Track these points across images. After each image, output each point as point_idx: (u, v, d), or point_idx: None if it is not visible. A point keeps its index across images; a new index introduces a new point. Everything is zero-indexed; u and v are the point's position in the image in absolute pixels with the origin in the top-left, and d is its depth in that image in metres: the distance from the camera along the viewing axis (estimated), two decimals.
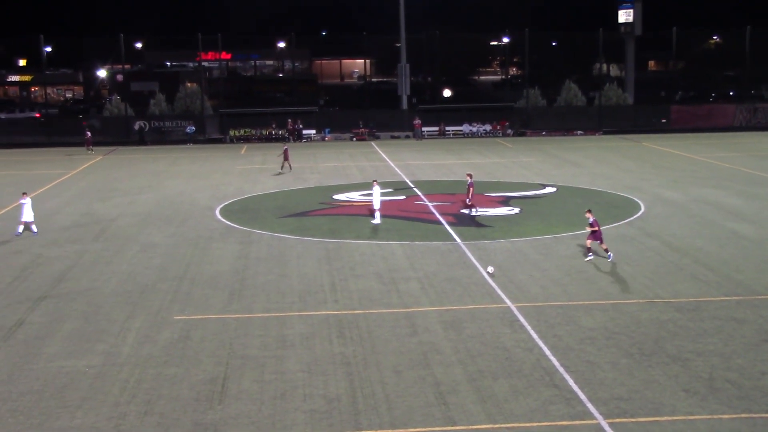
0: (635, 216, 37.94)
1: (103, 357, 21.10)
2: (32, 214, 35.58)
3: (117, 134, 74.44)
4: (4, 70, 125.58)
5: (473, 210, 38.61)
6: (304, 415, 17.59)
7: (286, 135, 74.39)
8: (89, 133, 68.91)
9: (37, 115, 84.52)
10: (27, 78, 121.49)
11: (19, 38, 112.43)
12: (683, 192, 43.94)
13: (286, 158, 54.25)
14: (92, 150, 67.55)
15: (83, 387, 19.18)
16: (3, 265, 30.71)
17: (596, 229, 29.85)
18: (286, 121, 75.50)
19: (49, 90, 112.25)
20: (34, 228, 35.62)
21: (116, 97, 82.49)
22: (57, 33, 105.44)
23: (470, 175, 39.50)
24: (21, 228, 35.55)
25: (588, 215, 30.37)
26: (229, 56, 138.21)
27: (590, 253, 29.95)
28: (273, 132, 75.06)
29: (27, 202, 35.40)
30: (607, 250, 30.01)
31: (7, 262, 31.03)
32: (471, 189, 38.77)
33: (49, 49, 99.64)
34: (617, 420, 17.13)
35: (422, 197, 43.53)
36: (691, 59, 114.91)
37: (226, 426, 17.19)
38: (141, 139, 73.92)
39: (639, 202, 41.27)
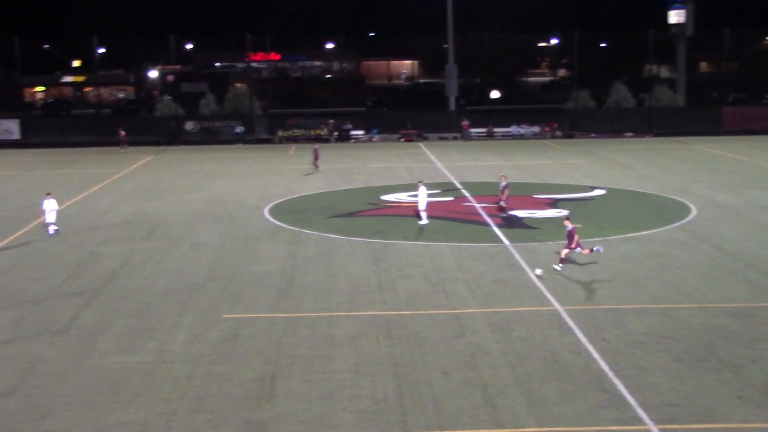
0: (686, 219, 37.51)
1: (154, 354, 21.37)
2: (55, 215, 35.82)
3: (164, 134, 75.22)
4: (59, 72, 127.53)
5: (507, 212, 38.50)
6: (351, 415, 17.66)
7: (328, 135, 74.76)
8: (123, 133, 69.86)
9: None
10: (81, 79, 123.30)
11: (72, 40, 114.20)
12: (736, 195, 43.34)
13: (315, 158, 54.66)
14: (126, 149, 68.49)
15: (135, 383, 19.45)
16: (57, 262, 31.24)
17: (574, 236, 28.41)
18: (328, 121, 75.91)
19: (102, 90, 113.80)
20: (52, 229, 35.62)
21: (167, 98, 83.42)
22: (109, 34, 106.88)
23: (505, 177, 39.43)
24: (51, 228, 35.75)
25: (567, 223, 29.08)
26: (277, 57, 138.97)
27: (561, 264, 28.68)
28: (322, 133, 75.42)
29: (50, 202, 35.66)
30: (562, 261, 28.58)
31: (61, 260, 31.55)
32: (506, 191, 38.69)
33: (102, 50, 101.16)
34: (668, 426, 16.96)
35: (470, 198, 43.45)
36: (744, 60, 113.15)
37: (275, 424, 17.32)
38: (171, 140, 74.36)
39: (690, 205, 40.80)
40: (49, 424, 17.39)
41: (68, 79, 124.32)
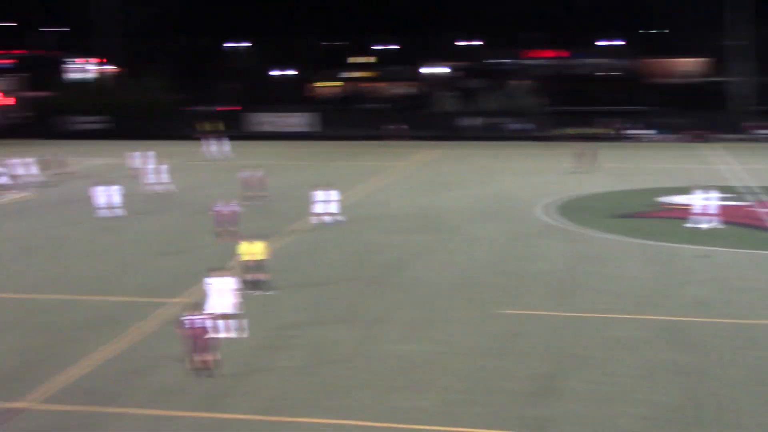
0: None
1: (434, 344, 21.82)
2: (335, 205, 37.34)
3: (445, 130, 76.62)
4: (351, 68, 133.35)
5: None
6: (633, 421, 17.15)
7: (607, 134, 73.25)
8: (400, 126, 71.90)
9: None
10: (371, 74, 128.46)
11: (357, 37, 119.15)
12: None
13: (587, 158, 53.58)
14: (401, 143, 70.34)
15: (417, 371, 19.92)
16: (341, 250, 32.66)
17: None
18: (606, 120, 74.43)
19: (389, 85, 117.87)
20: (327, 219, 37.24)
21: (449, 94, 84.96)
22: (391, 32, 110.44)
23: None
24: (327, 218, 37.32)
25: None
26: (556, 54, 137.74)
27: None
28: (602, 132, 74.02)
29: (328, 194, 37.31)
30: None
31: (345, 248, 32.97)
32: None
33: (392, 47, 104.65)
34: None
35: (762, 203, 40.96)
36: None
37: (552, 424, 17.11)
38: (452, 135, 74.97)
39: None
40: (335, 405, 18.20)
41: (359, 74, 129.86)
